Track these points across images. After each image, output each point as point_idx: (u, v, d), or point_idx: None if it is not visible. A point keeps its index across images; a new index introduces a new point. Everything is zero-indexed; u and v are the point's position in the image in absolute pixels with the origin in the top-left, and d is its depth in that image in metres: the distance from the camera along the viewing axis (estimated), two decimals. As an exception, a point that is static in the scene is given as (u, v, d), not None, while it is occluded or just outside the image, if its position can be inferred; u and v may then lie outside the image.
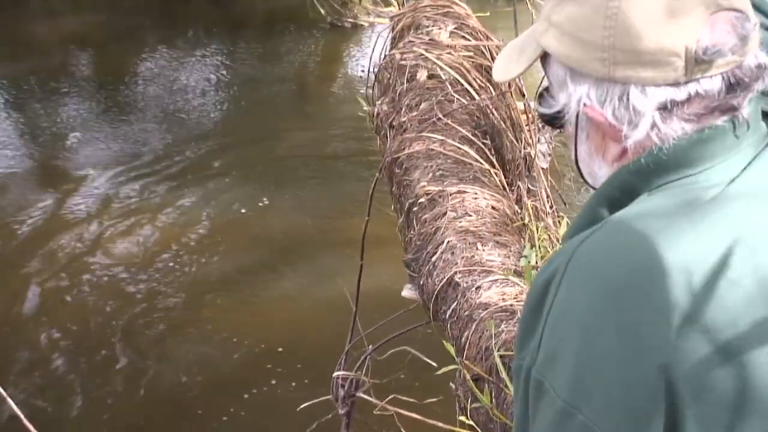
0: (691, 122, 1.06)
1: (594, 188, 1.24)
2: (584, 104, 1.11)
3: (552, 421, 1.06)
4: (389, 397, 2.35)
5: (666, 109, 1.06)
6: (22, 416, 2.28)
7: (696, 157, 1.08)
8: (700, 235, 1.04)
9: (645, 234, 1.05)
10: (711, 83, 1.04)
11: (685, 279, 1.01)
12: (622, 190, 1.14)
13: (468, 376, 2.16)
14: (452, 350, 2.27)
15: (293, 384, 3.36)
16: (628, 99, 1.07)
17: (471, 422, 2.18)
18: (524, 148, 2.56)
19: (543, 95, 1.21)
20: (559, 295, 1.07)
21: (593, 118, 1.11)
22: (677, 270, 1.01)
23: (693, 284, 1.01)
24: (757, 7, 1.29)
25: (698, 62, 1.03)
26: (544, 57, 1.17)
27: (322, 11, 7.18)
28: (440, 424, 2.25)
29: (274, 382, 3.66)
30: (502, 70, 1.25)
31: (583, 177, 1.27)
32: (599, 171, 1.19)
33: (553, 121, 1.19)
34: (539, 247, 2.48)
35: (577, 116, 1.15)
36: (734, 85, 1.06)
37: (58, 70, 7.19)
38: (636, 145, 1.10)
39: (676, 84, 1.04)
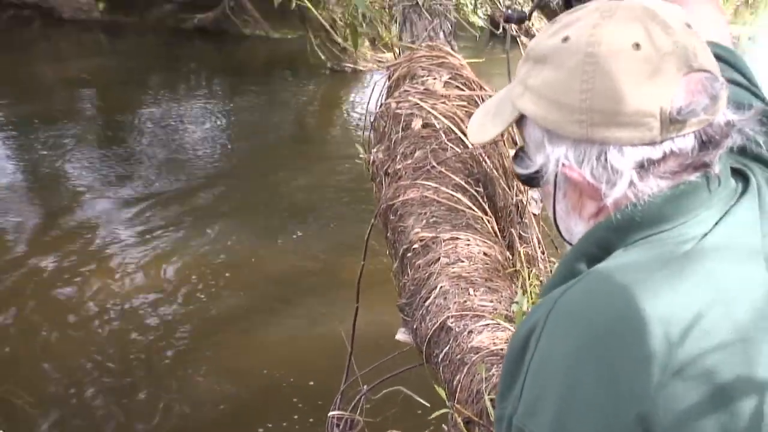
0: (666, 179, 1.11)
1: (570, 244, 1.27)
2: (562, 164, 1.14)
3: None
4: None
5: (643, 167, 1.10)
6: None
7: (670, 213, 1.12)
8: (676, 288, 1.08)
9: (624, 285, 1.08)
10: (685, 142, 1.09)
11: (664, 330, 1.04)
12: (599, 246, 1.18)
13: (459, 420, 2.19)
14: (443, 394, 2.31)
15: (295, 418, 3.45)
16: (606, 159, 1.11)
17: None
18: (516, 195, 2.63)
19: (519, 155, 1.24)
20: (540, 345, 1.10)
21: (571, 177, 1.14)
22: (656, 321, 1.04)
23: (671, 335, 1.04)
24: (725, 60, 1.40)
25: (673, 122, 1.08)
26: (520, 119, 1.20)
27: (323, 57, 7.40)
28: None
29: (276, 418, 3.76)
30: (477, 132, 1.29)
31: (560, 233, 1.30)
32: (575, 228, 1.23)
33: (530, 181, 1.22)
34: (531, 293, 2.51)
35: (556, 176, 1.18)
36: (706, 143, 1.10)
37: (64, 113, 7.42)
38: (614, 203, 1.14)
39: (652, 143, 1.08)
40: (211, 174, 6.59)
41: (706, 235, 1.14)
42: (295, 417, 3.50)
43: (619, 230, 1.16)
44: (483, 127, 1.28)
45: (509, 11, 1.97)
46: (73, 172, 6.40)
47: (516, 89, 1.20)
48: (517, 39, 3.36)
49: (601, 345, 1.08)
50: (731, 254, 1.14)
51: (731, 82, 1.35)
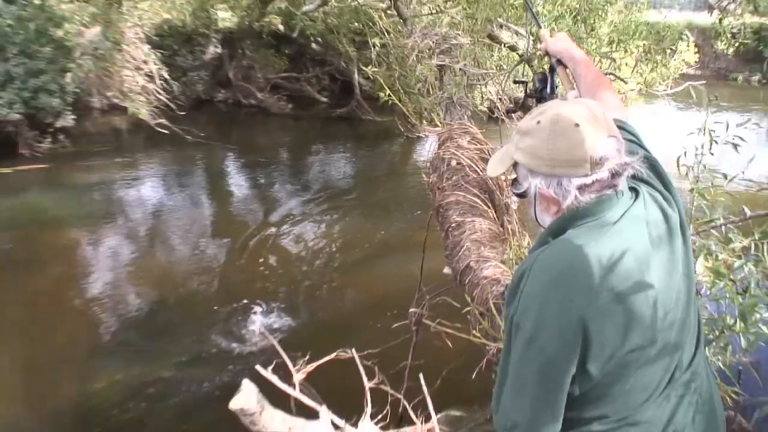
0: (593, 193, 1.65)
1: (543, 227, 1.79)
2: (538, 187, 1.68)
3: (522, 345, 1.58)
4: (437, 321, 3.76)
5: (581, 188, 1.64)
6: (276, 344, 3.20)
7: (597, 210, 1.65)
8: (603, 243, 1.61)
9: (574, 245, 1.61)
10: (603, 174, 1.63)
11: (598, 264, 1.56)
12: (560, 228, 1.70)
13: (477, 313, 3.40)
14: (468, 299, 3.50)
15: (388, 315, 5.09)
16: (561, 185, 1.65)
17: (477, 336, 3.34)
18: (504, 198, 4.22)
19: (514, 183, 1.78)
20: (528, 281, 1.62)
21: (543, 194, 1.68)
22: (593, 260, 1.56)
23: (602, 266, 1.56)
24: (624, 129, 1.95)
25: (597, 164, 1.61)
26: (515, 164, 1.74)
27: (402, 129, 11.24)
28: (462, 335, 3.52)
29: (376, 318, 5.69)
30: (492, 170, 1.84)
31: (538, 222, 1.81)
32: (546, 219, 1.76)
33: (521, 195, 1.77)
34: (513, 251, 3.90)
35: (535, 194, 1.71)
36: (614, 174, 1.64)
37: (271, 160, 12.23)
38: (567, 206, 1.68)
39: (585, 176, 1.62)
40: (346, 190, 10.63)
41: (617, 220, 1.65)
42: (388, 316, 5.12)
43: (570, 220, 1.67)
44: (495, 167, 1.82)
45: (510, 106, 3.33)
46: (277, 189, 10.86)
47: (511, 148, 1.75)
48: (502, 120, 5.32)
49: (561, 279, 1.58)
50: (631, 225, 1.66)
51: (628, 140, 1.85)
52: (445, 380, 4.02)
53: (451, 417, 3.53)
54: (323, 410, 1.78)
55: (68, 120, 12.09)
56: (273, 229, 8.64)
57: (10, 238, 8.56)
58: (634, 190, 1.76)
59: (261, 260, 7.51)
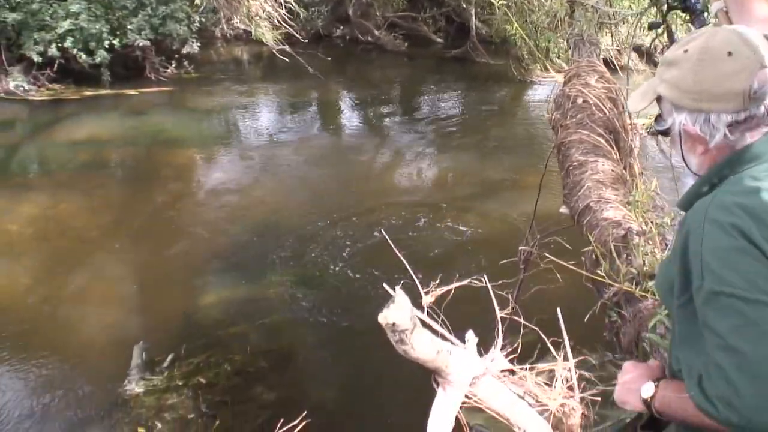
0: (747, 131, 1.52)
1: (690, 169, 1.65)
2: (683, 124, 1.56)
3: (736, 313, 1.37)
4: (547, 259, 3.68)
5: (732, 126, 1.51)
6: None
7: (757, 154, 1.51)
8: None
9: (749, 187, 1.47)
10: (759, 110, 1.50)
11: None
12: (718, 175, 1.56)
13: (598, 253, 3.36)
14: (591, 239, 3.45)
15: (499, 252, 4.83)
16: (708, 121, 1.52)
17: (602, 275, 3.28)
18: (629, 141, 4.14)
19: (657, 119, 1.64)
20: (705, 241, 1.44)
21: (688, 131, 1.56)
22: None
23: None
24: None
25: (752, 99, 1.48)
26: (659, 98, 1.62)
27: (516, 73, 11.31)
28: (580, 271, 3.50)
29: (489, 253, 5.65)
30: (634, 105, 1.70)
31: (686, 164, 1.65)
32: (692, 159, 1.62)
33: (664, 133, 1.63)
34: (639, 191, 3.77)
35: (679, 131, 1.59)
36: None
37: (384, 95, 12.12)
38: (715, 146, 1.54)
39: (737, 111, 1.50)
40: (457, 129, 10.49)
41: None
42: (497, 254, 4.78)
43: (729, 165, 1.54)
44: (636, 101, 1.69)
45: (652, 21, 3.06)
46: (389, 124, 10.96)
47: (656, 81, 1.62)
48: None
49: (750, 225, 1.40)
50: None
51: None
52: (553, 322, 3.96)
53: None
54: (470, 335, 1.62)
55: (193, 47, 12.48)
56: (383, 163, 8.73)
57: (133, 155, 8.93)
58: None
59: (370, 192, 7.56)
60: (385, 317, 1.40)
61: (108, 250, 6.49)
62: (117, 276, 6.05)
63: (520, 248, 4.24)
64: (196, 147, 9.21)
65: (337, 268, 5.86)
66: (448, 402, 1.47)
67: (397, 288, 1.44)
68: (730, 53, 1.49)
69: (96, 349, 5.03)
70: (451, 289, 1.64)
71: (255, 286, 5.71)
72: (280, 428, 1.91)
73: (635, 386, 1.68)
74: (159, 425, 4.28)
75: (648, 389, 1.64)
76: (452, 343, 1.50)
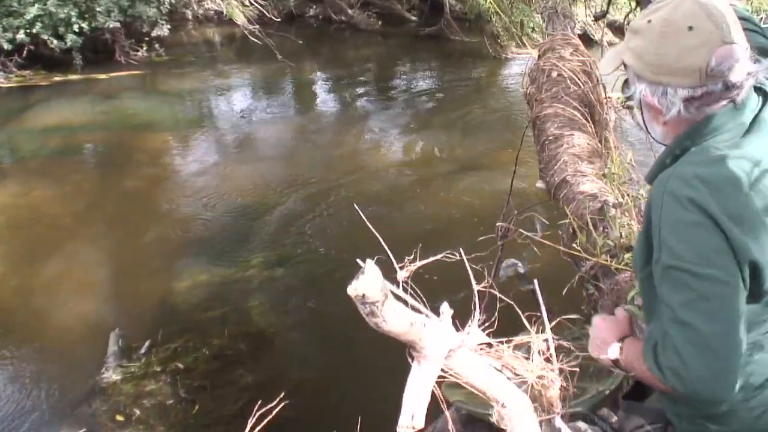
0: (703, 107, 1.52)
1: (654, 139, 1.69)
2: (643, 94, 1.58)
3: (684, 286, 1.43)
4: (523, 236, 3.77)
5: (687, 101, 1.52)
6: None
7: (721, 124, 1.52)
8: (739, 153, 1.50)
9: (708, 157, 1.50)
10: (715, 87, 1.50)
11: (743, 173, 1.46)
12: (681, 149, 1.57)
13: (575, 226, 3.40)
14: (569, 213, 3.48)
15: (475, 228, 4.88)
16: (666, 95, 1.53)
17: (577, 249, 3.30)
18: (605, 114, 4.15)
19: (626, 83, 1.67)
20: (663, 213, 1.47)
21: (647, 102, 1.58)
22: (736, 168, 1.46)
23: (747, 172, 1.46)
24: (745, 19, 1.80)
25: (710, 76, 1.48)
26: (625, 65, 1.64)
27: (491, 50, 11.24)
28: (558, 246, 3.58)
29: (463, 229, 5.56)
30: (603, 66, 1.73)
31: (648, 132, 1.69)
32: (656, 129, 1.64)
33: (630, 98, 1.66)
34: (615, 164, 3.78)
35: (639, 100, 1.61)
36: (730, 87, 1.50)
37: (358, 75, 12.09)
38: (671, 119, 1.56)
39: (693, 87, 1.50)
40: (431, 107, 10.43)
41: (746, 133, 1.53)
42: (474, 231, 4.78)
43: (690, 136, 1.56)
44: (605, 65, 1.72)
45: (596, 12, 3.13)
46: (364, 103, 10.82)
47: (622, 47, 1.64)
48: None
49: (705, 195, 1.43)
50: (760, 139, 1.54)
51: (753, 31, 1.76)
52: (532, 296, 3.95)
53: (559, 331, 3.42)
54: (444, 307, 1.58)
55: (163, 29, 12.23)
56: (358, 143, 8.66)
57: (104, 141, 8.81)
58: (761, 92, 1.60)
59: (347, 171, 7.49)
60: (354, 289, 1.35)
61: (82, 236, 6.40)
62: (92, 263, 5.97)
63: (497, 224, 4.23)
64: (169, 131, 9.09)
65: (315, 248, 5.83)
66: (423, 376, 1.44)
67: (368, 260, 1.37)
68: (691, 27, 1.48)
69: (72, 337, 4.97)
70: (428, 263, 1.59)
71: (232, 269, 5.66)
72: (258, 410, 1.87)
73: (605, 344, 1.75)
74: (137, 412, 4.24)
75: (614, 351, 1.71)
76: (427, 316, 1.46)
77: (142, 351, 4.74)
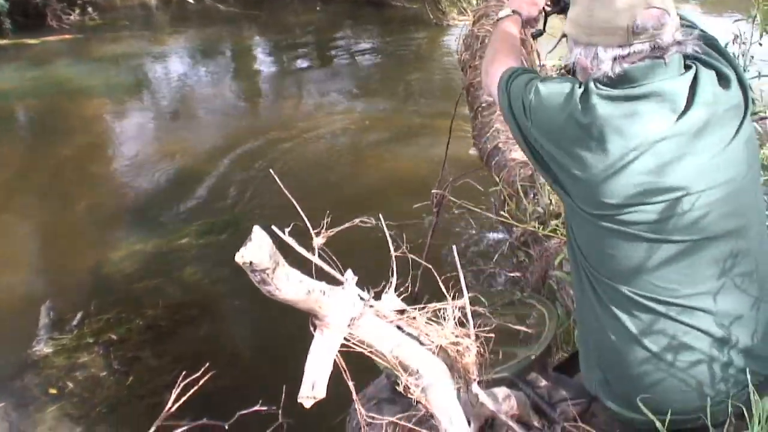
0: (629, 64, 1.64)
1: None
2: (578, 57, 1.72)
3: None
4: (459, 202, 3.74)
5: (615, 60, 1.64)
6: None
7: (635, 76, 1.64)
8: (604, 98, 1.64)
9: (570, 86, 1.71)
10: (642, 46, 1.62)
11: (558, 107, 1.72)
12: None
13: (505, 194, 3.45)
14: (497, 178, 3.60)
15: (413, 196, 4.61)
16: (597, 56, 1.66)
17: (505, 216, 3.38)
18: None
19: (568, 48, 1.78)
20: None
21: (581, 64, 1.72)
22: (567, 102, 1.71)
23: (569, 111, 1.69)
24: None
25: (634, 34, 1.61)
26: (565, 37, 1.80)
27: (432, 17, 11.20)
28: (485, 213, 3.82)
29: (398, 198, 5.50)
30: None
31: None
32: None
33: (566, 68, 1.86)
34: None
35: (574, 63, 1.75)
36: (655, 48, 1.62)
37: (298, 39, 11.83)
38: (601, 75, 1.67)
39: (621, 46, 1.63)
40: (371, 74, 10.36)
41: (648, 94, 1.63)
42: (410, 196, 4.64)
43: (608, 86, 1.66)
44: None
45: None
46: (303, 70, 10.59)
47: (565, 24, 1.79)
48: None
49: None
50: (663, 108, 1.63)
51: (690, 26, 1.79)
52: (466, 262, 3.97)
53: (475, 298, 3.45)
54: (349, 274, 1.55)
55: (97, -8, 11.84)
56: (297, 109, 8.49)
57: (36, 108, 8.55)
58: (688, 68, 1.68)
59: (282, 138, 7.37)
60: (241, 256, 1.34)
61: (12, 207, 6.24)
62: (21, 234, 5.83)
63: (432, 192, 4.22)
64: (103, 97, 8.83)
65: (250, 215, 5.74)
66: (325, 345, 1.44)
67: (256, 226, 1.37)
68: None
69: (2, 310, 4.85)
70: (346, 229, 1.58)
71: (166, 239, 5.57)
72: (182, 381, 1.85)
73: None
74: (71, 385, 4.18)
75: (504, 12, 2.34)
76: (328, 284, 1.45)
77: (74, 323, 4.66)
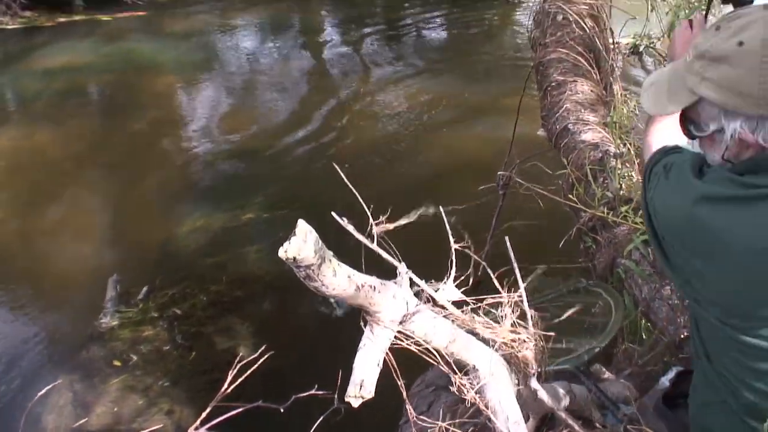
0: None
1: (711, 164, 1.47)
2: (739, 132, 1.34)
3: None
4: (527, 185, 3.70)
5: None
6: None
7: None
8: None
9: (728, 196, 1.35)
10: None
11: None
12: (744, 170, 1.38)
13: (573, 178, 3.38)
14: (565, 162, 3.49)
15: (480, 177, 4.63)
16: (765, 127, 1.31)
17: (573, 200, 3.30)
18: (611, 60, 3.98)
19: (687, 121, 1.46)
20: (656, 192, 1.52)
21: (746, 140, 1.35)
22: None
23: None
24: None
25: None
26: (698, 100, 1.39)
27: None
28: (556, 198, 3.55)
29: (463, 179, 5.46)
30: (654, 106, 1.51)
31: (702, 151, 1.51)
32: (714, 156, 1.44)
33: (693, 137, 1.48)
34: (617, 113, 3.69)
35: (730, 138, 1.37)
36: None
37: (368, 18, 11.63)
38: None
39: None
40: (440, 50, 10.28)
41: None
42: (474, 179, 4.68)
43: (759, 163, 1.35)
44: (660, 103, 1.48)
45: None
46: (370, 45, 10.34)
47: (691, 78, 1.39)
48: None
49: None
50: None
51: None
52: (533, 245, 3.87)
53: (535, 287, 3.37)
54: (402, 267, 1.48)
55: (170, -31, 11.99)
56: (363, 86, 8.43)
57: (108, 83, 8.71)
58: None
59: (349, 116, 7.35)
60: (284, 251, 1.27)
61: (83, 181, 6.37)
62: (92, 208, 5.95)
63: (498, 173, 4.15)
64: (173, 73, 8.97)
65: (317, 192, 5.68)
66: (374, 343, 1.37)
67: (300, 220, 1.31)
68: None
69: (71, 282, 4.97)
70: (402, 224, 1.51)
71: (232, 214, 5.61)
72: (239, 362, 1.84)
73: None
74: (134, 358, 4.25)
75: None
76: (383, 274, 1.38)
77: (140, 297, 4.73)
